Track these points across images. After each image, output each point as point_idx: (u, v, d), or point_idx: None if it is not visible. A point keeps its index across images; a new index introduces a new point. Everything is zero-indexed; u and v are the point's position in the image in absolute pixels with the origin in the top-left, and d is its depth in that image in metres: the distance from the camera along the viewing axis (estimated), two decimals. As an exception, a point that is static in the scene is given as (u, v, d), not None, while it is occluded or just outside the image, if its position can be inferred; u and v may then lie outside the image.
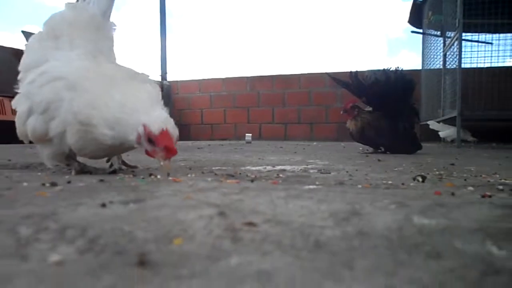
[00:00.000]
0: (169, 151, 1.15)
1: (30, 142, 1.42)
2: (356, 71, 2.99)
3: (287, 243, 0.50)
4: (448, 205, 0.68)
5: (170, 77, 7.63)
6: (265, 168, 1.72)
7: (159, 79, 7.45)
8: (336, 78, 3.16)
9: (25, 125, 1.35)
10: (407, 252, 0.44)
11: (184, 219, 0.63)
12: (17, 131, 1.41)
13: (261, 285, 0.37)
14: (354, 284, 0.38)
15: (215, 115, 7.26)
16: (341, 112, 3.10)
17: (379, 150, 3.02)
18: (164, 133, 1.14)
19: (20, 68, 1.49)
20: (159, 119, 1.16)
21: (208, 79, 7.37)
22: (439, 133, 4.99)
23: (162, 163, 1.17)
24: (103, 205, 0.76)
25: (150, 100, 1.27)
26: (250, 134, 5.56)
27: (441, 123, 4.87)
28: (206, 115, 7.27)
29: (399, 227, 0.53)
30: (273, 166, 1.80)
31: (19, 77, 1.48)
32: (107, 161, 1.53)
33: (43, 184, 1.08)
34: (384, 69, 2.95)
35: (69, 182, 1.14)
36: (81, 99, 1.21)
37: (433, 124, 4.94)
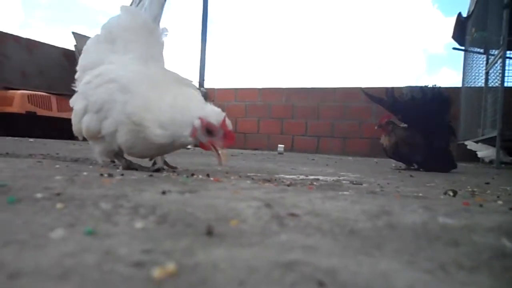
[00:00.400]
0: (229, 138, 1.27)
1: (84, 139, 1.55)
2: (392, 88, 3.01)
3: (326, 229, 0.59)
4: (473, 211, 0.75)
5: (207, 84, 7.91)
6: (299, 177, 1.81)
7: (197, 85, 7.72)
8: (370, 95, 3.19)
9: (81, 123, 1.47)
10: (429, 241, 0.52)
11: (236, 207, 0.74)
12: (73, 127, 1.54)
13: (308, 254, 0.47)
14: (383, 259, 0.46)
15: (249, 124, 7.43)
16: (376, 127, 3.14)
17: (412, 167, 3.02)
18: (223, 122, 1.26)
19: (77, 68, 1.63)
20: (214, 111, 1.28)
21: (244, 88, 7.57)
22: (477, 153, 4.84)
23: (220, 151, 1.27)
24: (163, 193, 0.89)
25: (199, 99, 1.38)
26: (283, 145, 5.65)
27: (479, 143, 4.74)
28: (240, 123, 7.45)
29: (423, 223, 0.61)
30: (306, 176, 1.88)
31: (76, 76, 1.62)
32: (151, 160, 1.64)
33: (101, 174, 1.23)
34: (421, 87, 2.96)
35: (122, 174, 1.29)
36: (134, 101, 1.32)
37: (470, 144, 4.81)
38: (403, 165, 3.11)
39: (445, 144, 2.93)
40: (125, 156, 1.55)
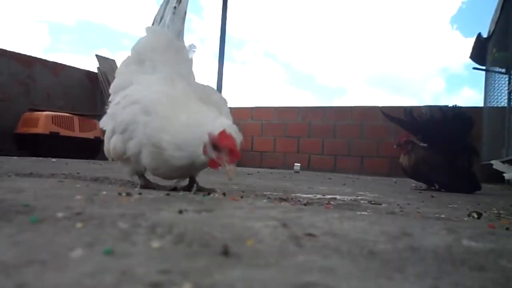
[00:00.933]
0: (232, 154, 1.21)
1: (112, 160, 1.56)
2: (411, 108, 2.98)
3: (344, 250, 0.58)
4: (499, 235, 0.72)
5: (224, 104, 7.98)
6: (316, 196, 1.79)
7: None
8: (388, 115, 3.15)
9: (109, 144, 1.49)
10: (453, 264, 0.50)
11: (252, 226, 0.74)
12: (104, 148, 1.56)
13: (325, 276, 0.46)
14: (405, 283, 0.45)
15: (265, 143, 7.44)
16: (395, 146, 3.10)
17: (433, 188, 2.94)
18: (224, 134, 1.20)
19: (110, 90, 1.67)
20: (221, 125, 1.23)
21: (260, 107, 7.63)
22: (504, 174, 4.67)
23: (227, 167, 1.22)
24: (180, 212, 0.89)
25: (215, 111, 1.36)
26: (299, 164, 5.62)
27: (506, 164, 4.58)
28: (256, 142, 7.48)
29: (447, 246, 0.59)
30: (323, 195, 1.86)
31: (109, 98, 1.66)
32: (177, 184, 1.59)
33: (120, 194, 1.24)
34: (440, 107, 2.94)
35: (140, 194, 1.30)
36: (153, 123, 1.31)
37: (497, 164, 4.65)
38: (423, 185, 3.02)
39: (468, 164, 2.86)
40: (145, 174, 1.55)
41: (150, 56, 1.57)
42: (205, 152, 1.26)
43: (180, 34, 1.67)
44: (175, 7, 1.64)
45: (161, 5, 1.71)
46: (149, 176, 1.56)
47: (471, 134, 2.95)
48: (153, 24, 1.71)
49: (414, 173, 2.95)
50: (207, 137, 1.24)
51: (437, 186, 2.92)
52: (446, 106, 2.92)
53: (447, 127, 2.78)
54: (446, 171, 2.78)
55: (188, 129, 1.29)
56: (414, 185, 3.22)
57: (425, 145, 2.96)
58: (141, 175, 1.54)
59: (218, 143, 1.21)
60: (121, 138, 1.42)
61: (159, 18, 1.69)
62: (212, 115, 1.32)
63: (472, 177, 2.85)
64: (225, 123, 1.26)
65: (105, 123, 1.55)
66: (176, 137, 1.29)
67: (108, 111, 1.57)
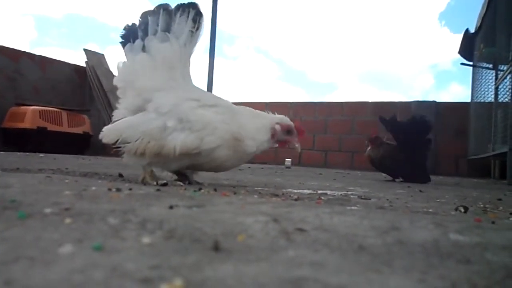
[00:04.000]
0: (302, 133, 1.75)
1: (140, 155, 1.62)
2: (394, 113, 3.68)
3: (334, 245, 0.59)
4: (485, 228, 0.73)
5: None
6: (306, 191, 1.80)
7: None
8: (384, 119, 3.55)
9: (165, 139, 1.54)
10: (440, 258, 0.51)
11: (243, 222, 0.74)
12: (148, 145, 1.56)
13: (316, 270, 0.46)
14: (393, 277, 0.46)
15: (256, 138, 7.42)
16: (366, 141, 3.66)
17: (398, 180, 3.38)
18: (297, 122, 1.75)
19: (131, 88, 1.71)
20: (283, 117, 1.73)
21: (251, 102, 7.61)
22: None
23: (297, 145, 1.73)
24: (171, 207, 0.89)
25: (262, 112, 1.75)
26: (290, 159, 5.64)
27: None
28: (248, 138, 7.46)
29: (434, 240, 0.60)
30: (314, 190, 1.87)
31: (120, 93, 1.74)
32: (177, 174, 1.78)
33: (110, 189, 1.23)
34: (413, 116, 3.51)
35: (130, 189, 1.29)
36: (234, 122, 1.61)
37: None
38: (388, 177, 3.51)
39: (423, 159, 3.36)
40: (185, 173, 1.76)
41: (178, 66, 1.74)
42: (274, 137, 1.68)
43: (191, 55, 1.83)
44: (191, 31, 1.77)
45: (161, 12, 1.75)
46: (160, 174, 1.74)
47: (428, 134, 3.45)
48: (148, 28, 1.75)
49: (380, 165, 3.49)
50: (279, 126, 1.68)
51: (401, 178, 3.40)
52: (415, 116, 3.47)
53: (414, 127, 3.35)
54: (407, 165, 3.29)
55: (258, 120, 1.67)
56: (384, 176, 3.69)
57: (392, 143, 3.48)
58: (182, 173, 1.73)
59: (291, 130, 1.71)
60: (196, 135, 1.54)
61: (162, 28, 1.75)
62: (256, 112, 1.74)
63: (425, 171, 3.36)
64: (281, 115, 1.75)
65: (167, 120, 1.58)
66: (249, 130, 1.62)
67: (162, 110, 1.60)
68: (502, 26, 4.43)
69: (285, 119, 1.72)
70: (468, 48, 5.94)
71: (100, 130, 1.71)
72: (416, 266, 0.49)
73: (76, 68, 7.27)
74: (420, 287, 0.41)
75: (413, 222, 0.79)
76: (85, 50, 7.27)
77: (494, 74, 5.18)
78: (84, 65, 7.20)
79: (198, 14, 1.77)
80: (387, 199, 1.59)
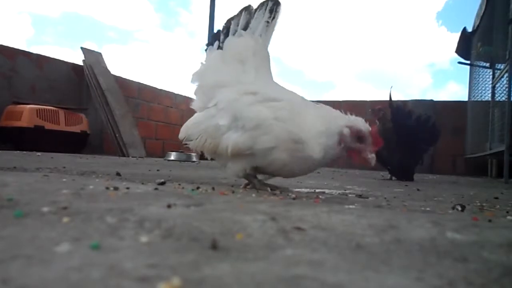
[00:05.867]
0: (378, 144, 1.37)
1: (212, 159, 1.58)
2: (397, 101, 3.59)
3: (332, 243, 0.59)
4: (482, 227, 0.73)
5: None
6: (305, 190, 1.80)
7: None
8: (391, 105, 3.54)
9: (220, 138, 1.46)
10: (437, 256, 0.51)
11: (241, 220, 0.74)
12: (207, 143, 1.52)
13: (314, 269, 0.47)
14: (391, 275, 0.46)
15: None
16: (370, 110, 3.63)
17: (389, 177, 3.47)
18: (374, 129, 1.37)
19: (201, 84, 1.66)
20: (359, 120, 1.37)
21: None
22: None
23: (370, 156, 1.35)
24: (169, 206, 0.89)
25: (336, 111, 1.46)
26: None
27: None
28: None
29: (432, 238, 0.60)
30: (312, 189, 1.87)
31: (196, 92, 1.67)
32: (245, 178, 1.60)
33: (107, 188, 1.23)
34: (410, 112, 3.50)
35: (128, 188, 1.29)
36: (294, 120, 1.38)
37: None
38: (386, 176, 3.59)
39: (416, 161, 3.42)
40: (258, 176, 1.58)
41: (251, 59, 1.62)
42: (341, 142, 1.36)
43: (267, 46, 1.72)
44: (267, 22, 1.69)
45: (243, 13, 1.73)
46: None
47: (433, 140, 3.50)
48: (230, 30, 1.72)
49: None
50: (348, 130, 1.35)
51: (395, 178, 3.45)
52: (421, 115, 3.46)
53: (422, 136, 3.32)
54: (399, 162, 3.31)
55: (324, 121, 1.38)
56: (382, 175, 3.82)
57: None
58: (254, 176, 1.56)
59: (365, 137, 1.35)
60: (250, 134, 1.41)
61: (242, 26, 1.70)
62: (337, 111, 1.45)
63: (412, 171, 3.44)
64: (358, 118, 1.40)
65: (220, 117, 1.49)
66: (311, 132, 1.36)
67: (220, 106, 1.51)
68: (499, 25, 4.45)
69: (356, 122, 1.37)
70: (465, 47, 5.96)
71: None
72: (414, 264, 0.49)
73: (73, 66, 7.24)
74: (417, 285, 0.42)
75: (410, 221, 0.80)
76: (82, 48, 7.24)
77: (491, 73, 5.20)
78: (81, 63, 7.17)
79: (276, 4, 1.69)
80: (385, 198, 1.60)
